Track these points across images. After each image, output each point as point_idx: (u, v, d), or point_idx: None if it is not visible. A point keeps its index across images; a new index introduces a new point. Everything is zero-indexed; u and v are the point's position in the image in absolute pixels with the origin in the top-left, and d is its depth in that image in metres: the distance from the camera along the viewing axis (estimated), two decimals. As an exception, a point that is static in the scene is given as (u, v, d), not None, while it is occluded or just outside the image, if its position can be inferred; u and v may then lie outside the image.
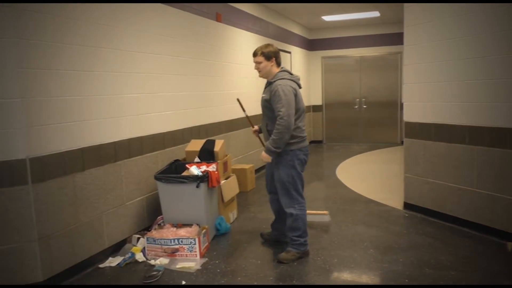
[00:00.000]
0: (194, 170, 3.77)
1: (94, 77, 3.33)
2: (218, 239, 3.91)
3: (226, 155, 4.52)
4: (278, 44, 7.56)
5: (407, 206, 4.60)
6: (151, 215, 4.03)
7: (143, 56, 3.92)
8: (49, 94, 2.93)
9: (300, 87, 3.40)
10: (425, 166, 4.30)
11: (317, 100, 10.21)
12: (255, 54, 3.42)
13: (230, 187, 4.35)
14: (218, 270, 3.24)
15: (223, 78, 5.63)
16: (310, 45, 10.16)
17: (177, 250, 3.43)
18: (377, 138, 9.86)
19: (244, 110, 3.85)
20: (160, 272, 3.18)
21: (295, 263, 3.32)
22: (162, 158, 4.20)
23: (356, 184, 5.91)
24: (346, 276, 3.12)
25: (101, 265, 3.36)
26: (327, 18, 8.56)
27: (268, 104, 3.33)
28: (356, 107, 9.99)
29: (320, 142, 10.31)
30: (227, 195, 4.23)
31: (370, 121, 9.93)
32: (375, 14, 8.21)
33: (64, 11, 3.04)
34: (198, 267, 3.28)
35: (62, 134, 3.04)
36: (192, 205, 3.68)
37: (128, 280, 3.13)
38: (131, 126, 3.76)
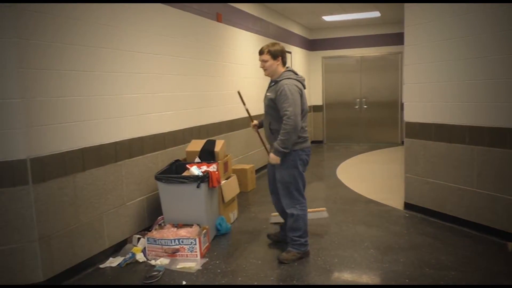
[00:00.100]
0: (195, 170, 3.78)
1: (94, 77, 3.33)
2: (219, 239, 3.91)
3: (227, 155, 4.52)
4: (279, 44, 7.55)
5: (407, 206, 4.60)
6: (151, 215, 4.04)
7: (143, 56, 3.92)
8: (49, 94, 2.93)
9: (304, 88, 3.39)
10: (426, 166, 4.30)
11: (317, 100, 10.21)
12: (261, 52, 3.40)
13: (230, 187, 4.35)
14: (219, 270, 3.24)
15: (224, 78, 5.64)
16: (311, 45, 10.16)
17: (177, 250, 3.43)
18: (378, 138, 9.86)
19: (244, 104, 3.85)
20: (161, 272, 3.18)
21: (296, 263, 3.32)
22: (163, 158, 4.20)
23: (356, 184, 5.91)
24: (346, 276, 3.12)
25: (101, 265, 3.36)
26: (327, 18, 8.56)
27: (273, 103, 3.31)
28: (357, 107, 9.99)
29: (320, 142, 10.31)
30: (228, 195, 4.23)
31: (371, 121, 9.93)
32: (376, 14, 8.21)
33: (64, 11, 3.04)
34: (199, 267, 3.29)
35: (63, 134, 3.05)
36: (192, 205, 3.68)
37: (129, 280, 3.14)
38: (131, 126, 3.76)
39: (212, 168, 3.86)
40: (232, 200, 4.43)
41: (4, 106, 2.70)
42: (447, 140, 4.04)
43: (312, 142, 10.08)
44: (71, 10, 3.10)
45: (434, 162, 4.20)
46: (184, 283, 3.05)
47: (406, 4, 4.38)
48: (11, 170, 2.74)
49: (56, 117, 2.98)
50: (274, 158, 3.27)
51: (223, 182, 4.18)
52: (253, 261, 3.40)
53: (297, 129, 3.18)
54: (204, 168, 3.85)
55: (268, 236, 3.84)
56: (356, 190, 5.59)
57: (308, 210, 3.57)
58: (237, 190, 4.57)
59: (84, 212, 3.25)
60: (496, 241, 3.62)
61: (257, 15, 6.79)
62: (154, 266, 3.32)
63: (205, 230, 3.60)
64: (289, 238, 3.45)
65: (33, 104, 2.81)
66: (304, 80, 3.41)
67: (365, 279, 3.06)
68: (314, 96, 10.20)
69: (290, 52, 8.39)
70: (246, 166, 5.71)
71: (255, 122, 3.77)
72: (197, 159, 4.15)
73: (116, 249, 3.59)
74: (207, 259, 3.44)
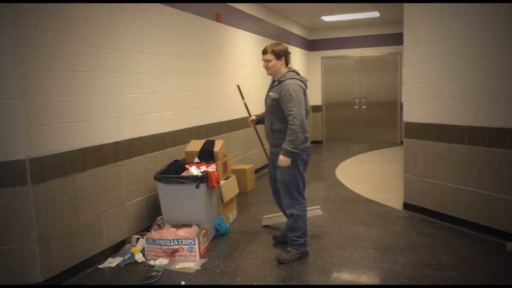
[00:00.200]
0: (194, 170, 3.77)
1: (94, 77, 3.33)
2: (218, 239, 3.91)
3: (226, 156, 4.52)
4: (278, 44, 7.55)
5: (406, 206, 4.60)
6: (150, 216, 4.03)
7: (143, 57, 3.92)
8: (49, 94, 2.92)
9: (306, 88, 3.39)
10: (425, 166, 4.30)
11: (317, 100, 10.21)
12: (265, 52, 3.40)
13: (229, 187, 4.35)
14: (218, 271, 3.24)
15: (223, 78, 5.63)
16: (310, 45, 10.16)
17: (176, 250, 3.43)
18: (377, 138, 9.87)
19: (243, 98, 3.85)
20: (160, 273, 3.17)
21: (295, 264, 3.32)
22: (162, 158, 4.20)
23: (355, 184, 5.91)
24: (346, 277, 3.12)
25: (100, 266, 3.36)
26: (326, 18, 8.56)
27: (276, 103, 3.29)
28: (356, 107, 10.00)
29: (320, 142, 10.31)
30: (227, 196, 4.23)
31: (370, 121, 9.93)
32: (375, 14, 8.21)
33: (64, 11, 3.04)
34: (198, 267, 3.28)
35: (62, 135, 3.04)
36: (191, 205, 3.68)
37: (128, 280, 3.13)
38: (131, 127, 3.76)
39: (211, 168, 3.86)
40: (231, 200, 4.43)
41: (4, 106, 2.69)
42: (446, 140, 4.05)
43: (312, 142, 10.04)
44: (71, 10, 3.10)
45: (433, 162, 4.20)
46: (183, 283, 3.05)
47: (405, 4, 4.38)
48: (10, 170, 2.73)
49: (56, 117, 2.98)
50: (284, 160, 3.22)
51: (222, 182, 4.18)
52: (252, 261, 3.40)
53: (304, 128, 3.18)
54: (203, 168, 3.85)
55: (274, 237, 3.83)
56: (355, 190, 5.59)
57: None
58: (236, 190, 4.57)
59: (83, 212, 3.24)
60: (495, 241, 3.62)
61: (256, 15, 6.79)
62: (153, 266, 3.31)
63: (204, 230, 3.60)
64: (289, 238, 3.45)
65: (33, 104, 2.80)
66: (306, 80, 3.41)
67: (364, 279, 3.06)
68: (314, 96, 10.19)
69: (289, 52, 8.38)
70: (246, 166, 5.71)
71: (253, 117, 3.77)
72: (196, 159, 4.15)
73: (115, 250, 3.59)
74: (206, 259, 3.44)
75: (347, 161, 7.92)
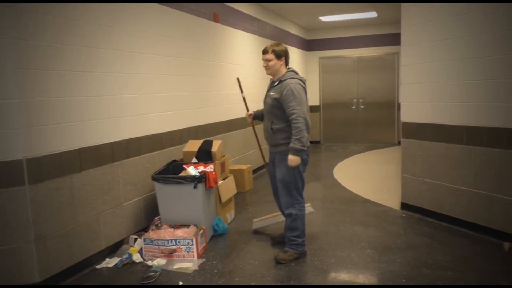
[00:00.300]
0: (192, 170, 3.77)
1: (94, 78, 3.32)
2: (216, 239, 3.91)
3: (224, 156, 4.52)
4: (276, 45, 7.55)
5: (404, 206, 4.61)
6: (148, 216, 4.02)
7: (143, 57, 3.91)
8: (48, 94, 2.92)
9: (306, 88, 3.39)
10: (423, 166, 4.30)
11: (314, 100, 10.21)
12: (265, 52, 3.41)
13: (227, 187, 4.35)
14: (216, 271, 3.24)
15: (221, 79, 5.63)
16: (308, 45, 10.16)
17: (174, 250, 3.42)
18: (375, 138, 9.88)
19: (242, 91, 3.84)
20: (157, 273, 3.17)
21: (293, 264, 3.32)
22: (160, 158, 4.19)
23: (353, 184, 5.91)
24: (343, 276, 3.12)
25: (98, 266, 3.35)
26: (324, 18, 8.57)
27: (277, 102, 3.30)
28: (354, 107, 10.01)
29: (317, 142, 10.31)
30: (225, 196, 4.22)
31: (368, 121, 9.94)
32: (373, 14, 8.22)
33: (64, 11, 3.03)
34: (196, 267, 3.28)
35: (61, 135, 3.03)
36: (189, 205, 3.68)
37: (125, 281, 3.13)
38: (130, 127, 3.75)
39: (209, 168, 3.86)
40: (229, 200, 4.42)
41: (3, 106, 2.68)
42: (444, 140, 4.05)
43: (309, 142, 10.07)
44: (71, 10, 3.09)
45: (431, 162, 4.21)
46: (181, 283, 3.05)
47: (403, 4, 4.38)
48: (7, 171, 2.72)
49: (55, 118, 2.97)
50: (294, 159, 3.20)
51: (220, 182, 4.17)
52: (250, 262, 3.40)
53: (308, 126, 3.19)
54: (201, 168, 3.85)
55: (273, 238, 3.83)
56: (353, 190, 5.60)
57: None
58: (234, 191, 4.56)
59: (81, 213, 3.24)
60: (493, 241, 3.63)
61: (254, 15, 6.79)
62: (150, 266, 3.31)
63: (202, 231, 3.59)
64: (287, 238, 3.45)
65: (32, 105, 2.79)
66: (305, 80, 3.43)
67: (362, 279, 3.06)
68: (311, 96, 10.18)
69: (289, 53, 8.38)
70: (243, 167, 5.70)
71: (251, 112, 3.76)
72: (194, 160, 4.15)
73: (112, 250, 3.58)
74: (204, 259, 3.44)
75: (345, 161, 7.93)
